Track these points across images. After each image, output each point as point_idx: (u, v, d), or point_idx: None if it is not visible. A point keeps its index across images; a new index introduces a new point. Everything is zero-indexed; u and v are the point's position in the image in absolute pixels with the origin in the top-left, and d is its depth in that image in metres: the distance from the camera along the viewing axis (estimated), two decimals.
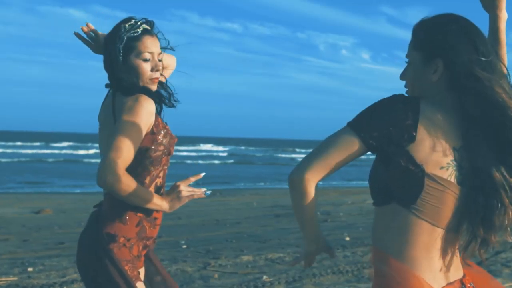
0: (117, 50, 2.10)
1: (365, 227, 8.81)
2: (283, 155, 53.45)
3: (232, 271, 5.76)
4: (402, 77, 1.63)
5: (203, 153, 49.67)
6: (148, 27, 2.17)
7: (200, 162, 38.97)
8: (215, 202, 14.20)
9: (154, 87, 2.17)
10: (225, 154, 50.88)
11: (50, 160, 35.15)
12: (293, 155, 53.88)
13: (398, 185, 1.49)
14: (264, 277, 5.46)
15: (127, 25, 2.13)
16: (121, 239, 2.08)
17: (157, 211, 2.15)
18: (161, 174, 2.20)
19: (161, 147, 2.13)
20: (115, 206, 2.09)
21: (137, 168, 2.08)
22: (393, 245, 1.52)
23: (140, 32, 2.13)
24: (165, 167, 2.22)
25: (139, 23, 2.15)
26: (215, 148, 61.44)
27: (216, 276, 5.55)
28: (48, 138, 64.88)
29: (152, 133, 2.09)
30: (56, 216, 10.75)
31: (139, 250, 2.15)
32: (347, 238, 7.66)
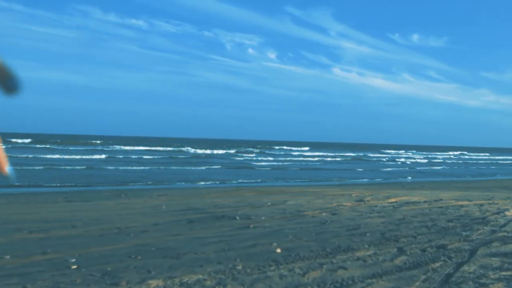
0: None
1: (294, 234, 7.54)
2: (185, 156, 51.95)
3: None
4: None
5: (119, 155, 47.35)
6: None
7: (110, 165, 36.70)
8: (118, 206, 12.45)
9: None
10: (132, 155, 48.81)
11: None
12: (198, 153, 52.46)
13: None
14: None
15: None
16: None
17: None
18: None
19: None
20: None
21: None
22: None
23: None
24: None
25: None
26: (122, 148, 58.89)
27: None
28: None
29: None
30: None
31: None
32: (278, 250, 6.35)
